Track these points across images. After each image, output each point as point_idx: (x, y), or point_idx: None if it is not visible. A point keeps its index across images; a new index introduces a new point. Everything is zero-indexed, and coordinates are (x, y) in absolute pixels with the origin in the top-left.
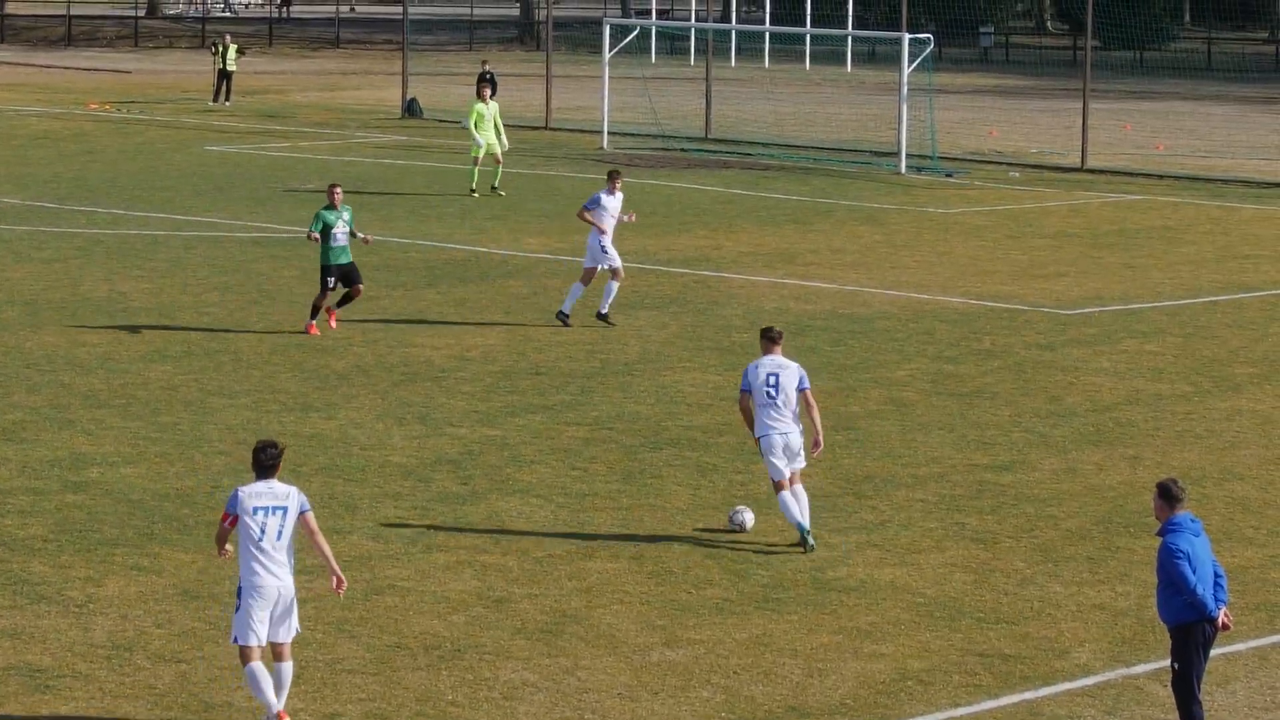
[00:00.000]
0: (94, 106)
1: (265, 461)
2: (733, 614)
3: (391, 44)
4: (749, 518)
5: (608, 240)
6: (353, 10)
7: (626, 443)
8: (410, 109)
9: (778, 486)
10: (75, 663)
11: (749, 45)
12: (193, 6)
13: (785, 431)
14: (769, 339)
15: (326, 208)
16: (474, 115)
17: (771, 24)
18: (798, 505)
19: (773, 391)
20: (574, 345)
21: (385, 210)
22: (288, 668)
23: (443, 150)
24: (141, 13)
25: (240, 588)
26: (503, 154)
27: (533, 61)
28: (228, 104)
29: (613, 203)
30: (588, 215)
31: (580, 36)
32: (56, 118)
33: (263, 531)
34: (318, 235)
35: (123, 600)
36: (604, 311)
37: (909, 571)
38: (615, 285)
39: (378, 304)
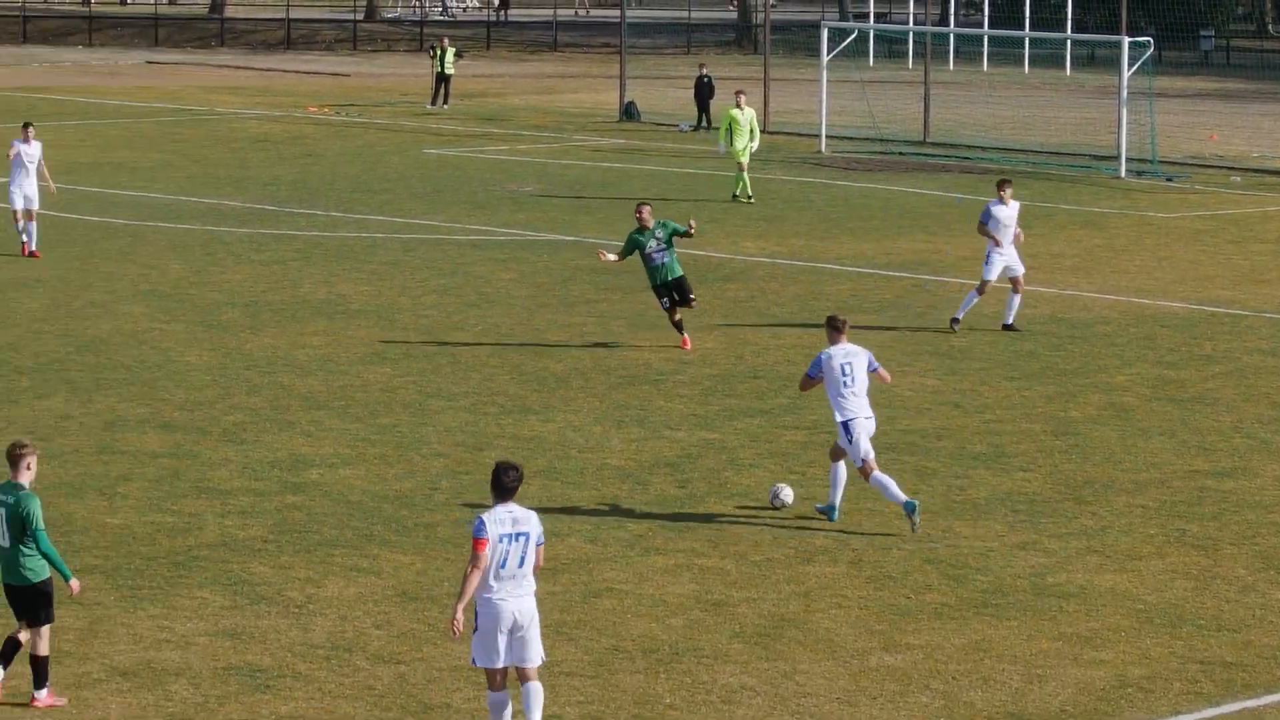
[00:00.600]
0: (313, 110)
1: (507, 484)
2: (951, 619)
3: (609, 47)
4: (789, 495)
5: (1003, 251)
6: (585, 13)
7: None
8: (628, 112)
9: (865, 470)
10: (295, 663)
11: (967, 49)
12: (411, 10)
13: (867, 416)
14: (835, 328)
15: (636, 231)
16: (727, 121)
17: (990, 27)
18: (894, 481)
19: (849, 380)
20: (791, 349)
21: (603, 214)
22: (536, 687)
23: (660, 154)
24: (360, 16)
25: (477, 610)
26: (741, 158)
27: (750, 65)
28: (445, 107)
29: (1004, 212)
30: (986, 230)
31: (798, 40)
32: (276, 121)
33: (505, 559)
34: (612, 258)
35: (342, 601)
36: (1009, 322)
37: (1129, 578)
38: (1016, 298)
39: (596, 307)
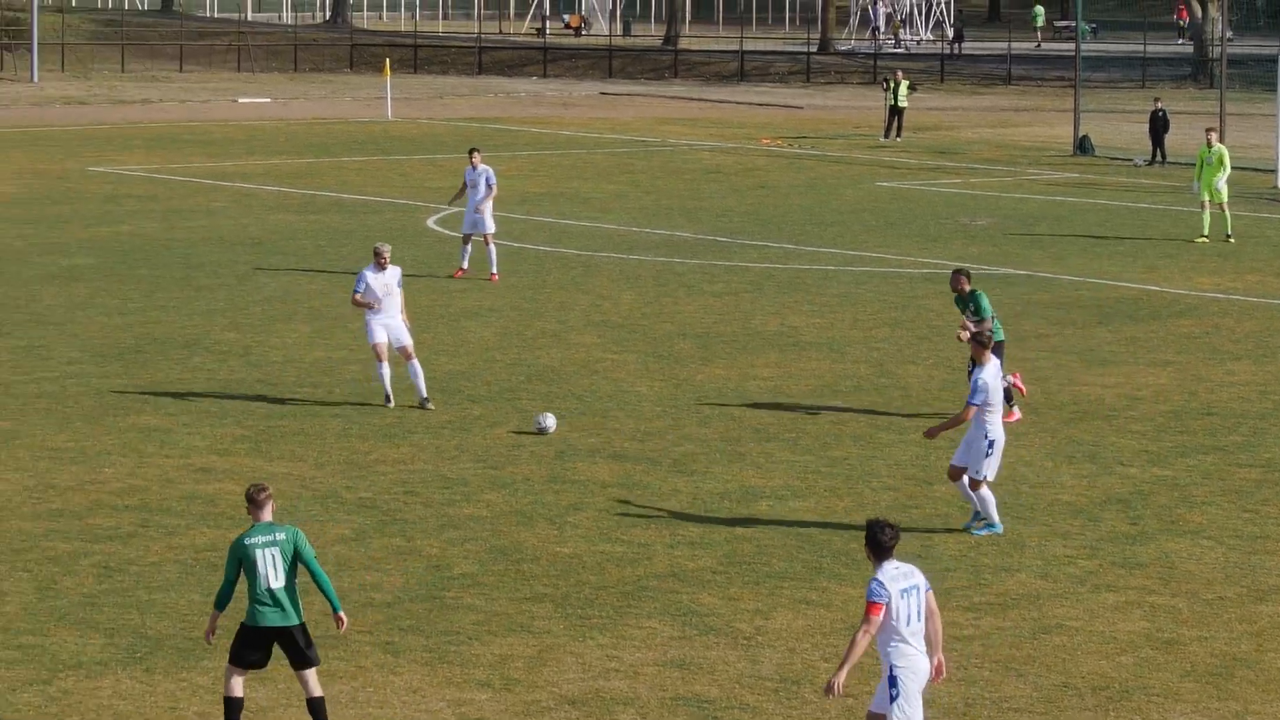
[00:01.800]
0: (766, 142)
1: (886, 543)
2: None
3: (1063, 80)
4: (550, 422)
5: None
6: (1038, 47)
7: None
8: (1082, 146)
9: (973, 482)
10: (743, 694)
11: None
12: (865, 43)
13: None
14: (981, 344)
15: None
16: (1199, 159)
17: None
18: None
19: (991, 399)
20: (1246, 385)
21: (1056, 248)
22: None
23: (1115, 188)
24: (813, 48)
25: (894, 675)
26: (1209, 198)
27: (1206, 100)
28: (898, 140)
29: None
30: None
31: (1255, 74)
32: (728, 153)
33: (908, 616)
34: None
35: (790, 633)
36: None
37: None
38: None
39: (1048, 341)
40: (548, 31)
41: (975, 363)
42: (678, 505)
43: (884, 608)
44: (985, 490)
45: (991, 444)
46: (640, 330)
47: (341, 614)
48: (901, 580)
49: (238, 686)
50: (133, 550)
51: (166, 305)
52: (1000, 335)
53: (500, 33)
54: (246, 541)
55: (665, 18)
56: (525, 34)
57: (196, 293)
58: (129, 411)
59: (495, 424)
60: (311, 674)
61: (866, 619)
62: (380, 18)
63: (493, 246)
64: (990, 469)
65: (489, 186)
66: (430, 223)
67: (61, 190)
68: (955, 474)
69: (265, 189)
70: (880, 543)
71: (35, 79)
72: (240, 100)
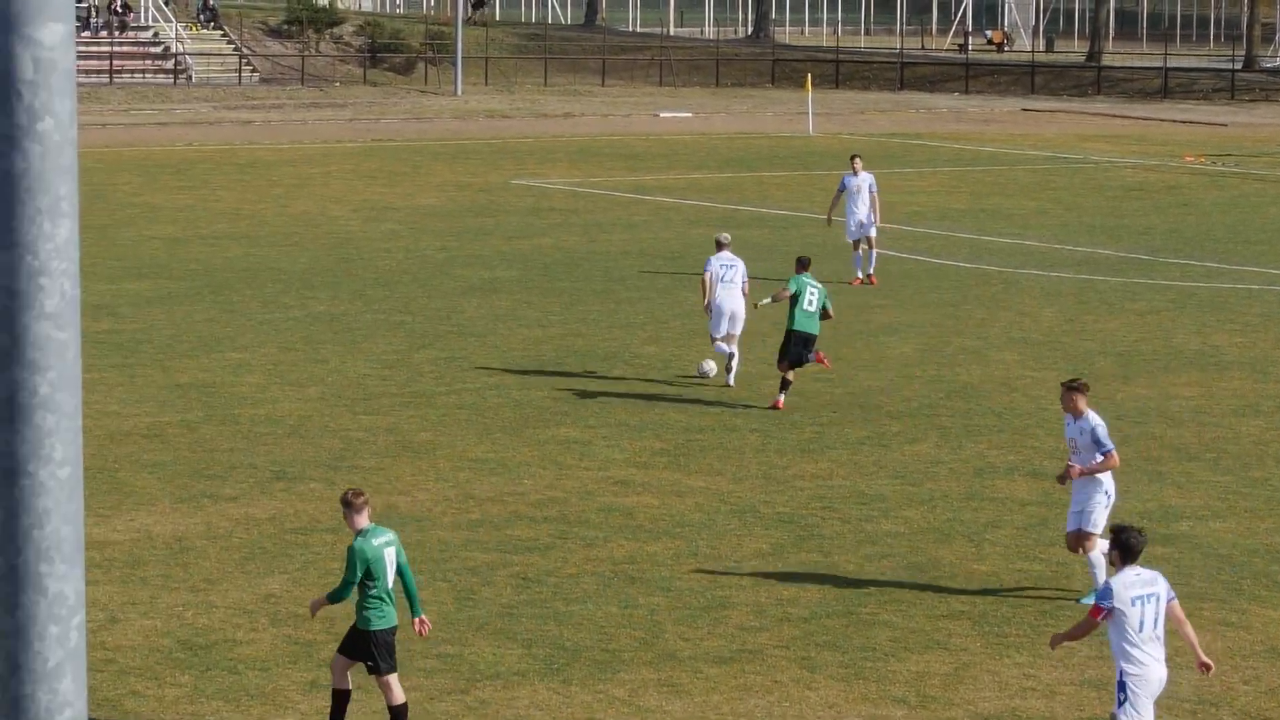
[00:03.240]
0: (1189, 159)
1: (1135, 547)
2: None
3: None
4: (710, 367)
5: None
6: None
7: None
8: None
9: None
10: (1160, 716)
11: None
12: None
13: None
14: (1074, 389)
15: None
16: None
17: None
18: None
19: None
20: None
21: None
22: None
23: None
24: (1238, 65)
25: (1123, 681)
26: None
27: None
28: None
29: None
30: None
31: None
32: (1151, 169)
33: (1142, 622)
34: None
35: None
36: None
37: None
38: None
39: None
40: (970, 47)
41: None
42: None
43: (1106, 613)
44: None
45: (1108, 494)
46: (1060, 348)
47: (424, 617)
48: (1139, 587)
49: (347, 678)
50: (551, 561)
51: (587, 318)
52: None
53: (922, 48)
54: (375, 542)
55: (1088, 34)
56: (947, 49)
57: (617, 306)
58: (548, 423)
59: (914, 440)
60: (396, 679)
61: (1088, 620)
62: (802, 32)
63: (875, 251)
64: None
65: (872, 193)
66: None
67: (484, 203)
68: (1081, 541)
69: (686, 203)
70: (1130, 547)
71: (459, 92)
72: (661, 114)
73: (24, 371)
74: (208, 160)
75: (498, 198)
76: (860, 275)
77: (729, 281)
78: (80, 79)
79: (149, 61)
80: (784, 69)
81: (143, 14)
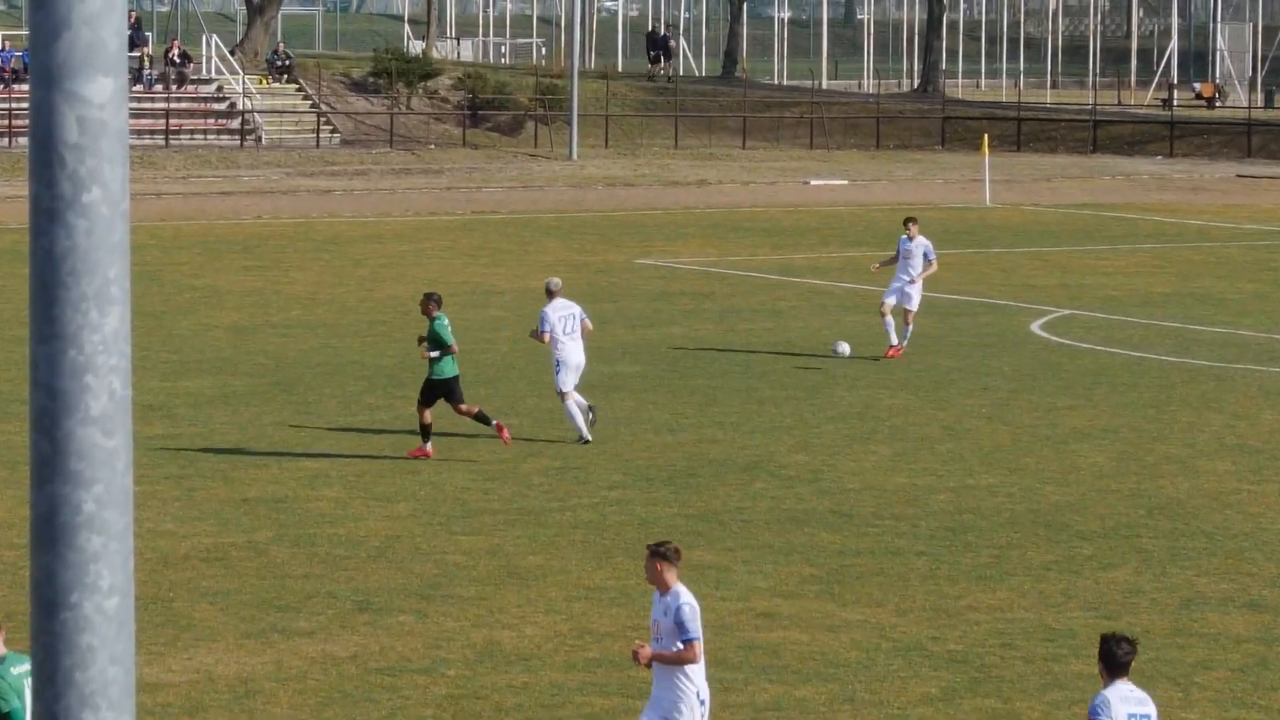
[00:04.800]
0: None
1: (1121, 659)
2: None
3: None
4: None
5: None
6: None
7: None
8: None
9: None
10: None
11: None
12: None
13: None
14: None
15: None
16: None
17: None
18: None
19: None
20: None
21: None
22: None
23: None
24: None
25: None
26: None
27: None
28: None
29: None
30: None
31: None
32: None
33: None
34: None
35: None
36: None
37: None
38: None
39: None
40: (1175, 102)
41: None
42: None
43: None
44: None
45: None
46: None
47: None
48: (1134, 704)
49: None
50: None
51: (724, 421)
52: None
53: (1119, 103)
54: (14, 671)
55: None
56: (1149, 105)
57: (760, 407)
58: (680, 545)
59: (1110, 565)
60: None
61: None
62: (978, 85)
63: (911, 325)
64: None
65: (928, 261)
66: (1035, 327)
67: (603, 286)
68: None
69: (841, 286)
70: (1115, 658)
71: (574, 156)
72: (812, 182)
73: (66, 485)
74: (280, 236)
75: (619, 279)
76: (896, 341)
77: (571, 333)
78: (132, 141)
79: (212, 120)
80: (956, 128)
81: (204, 65)
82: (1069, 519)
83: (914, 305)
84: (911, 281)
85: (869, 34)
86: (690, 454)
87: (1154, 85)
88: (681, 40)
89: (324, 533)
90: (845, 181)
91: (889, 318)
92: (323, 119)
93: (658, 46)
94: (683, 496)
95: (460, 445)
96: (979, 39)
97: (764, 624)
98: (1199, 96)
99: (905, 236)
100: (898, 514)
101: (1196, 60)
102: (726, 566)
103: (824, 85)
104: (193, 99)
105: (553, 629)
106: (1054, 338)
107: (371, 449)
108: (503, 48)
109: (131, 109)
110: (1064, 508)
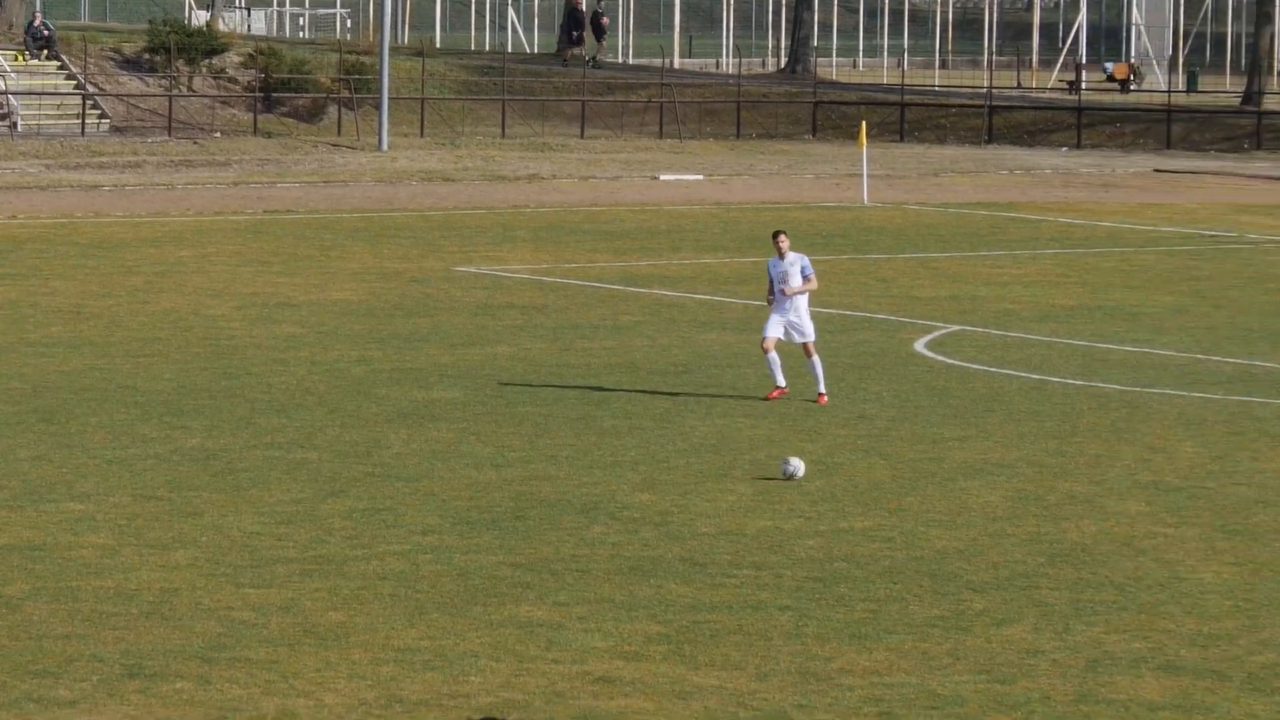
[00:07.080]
0: None
1: None
2: None
3: None
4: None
5: None
6: None
7: None
8: None
9: None
10: None
11: None
12: None
13: None
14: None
15: None
16: None
17: None
18: None
19: None
20: None
21: None
22: None
23: None
24: None
25: None
26: None
27: None
28: None
29: None
30: None
31: None
32: None
33: None
34: None
35: None
36: None
37: None
38: None
39: None
40: (1084, 85)
41: None
42: None
43: None
44: None
45: None
46: (1205, 496)
47: None
48: None
49: None
50: None
51: (557, 455)
52: None
53: (1018, 86)
54: None
55: (1245, 68)
56: (1053, 89)
57: (599, 438)
58: (504, 599)
59: (1004, 622)
60: None
61: None
62: (854, 65)
63: (816, 358)
64: None
65: (806, 278)
66: (919, 346)
67: (418, 298)
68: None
69: (694, 297)
70: None
71: (384, 146)
72: (662, 177)
73: None
74: (38, 239)
75: (437, 291)
76: (781, 383)
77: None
78: None
79: None
80: (830, 115)
81: None
82: (957, 568)
83: (810, 335)
84: (792, 310)
85: (729, 5)
86: (518, 493)
87: (1059, 65)
88: (510, 12)
89: (89, 586)
90: (700, 177)
91: (773, 354)
92: (89, 102)
93: (580, 25)
94: (508, 542)
95: (247, 483)
96: (856, 11)
97: (603, 690)
98: (1111, 78)
99: (775, 257)
100: (759, 562)
101: (1108, 37)
102: (559, 624)
103: (676, 64)
104: None
105: (357, 696)
106: (941, 358)
107: (145, 489)
108: (301, 19)
109: None
110: (952, 555)
